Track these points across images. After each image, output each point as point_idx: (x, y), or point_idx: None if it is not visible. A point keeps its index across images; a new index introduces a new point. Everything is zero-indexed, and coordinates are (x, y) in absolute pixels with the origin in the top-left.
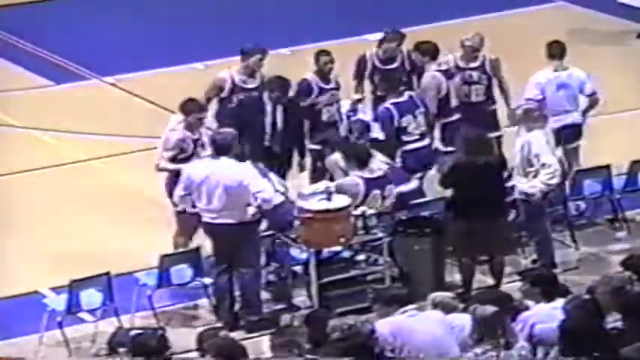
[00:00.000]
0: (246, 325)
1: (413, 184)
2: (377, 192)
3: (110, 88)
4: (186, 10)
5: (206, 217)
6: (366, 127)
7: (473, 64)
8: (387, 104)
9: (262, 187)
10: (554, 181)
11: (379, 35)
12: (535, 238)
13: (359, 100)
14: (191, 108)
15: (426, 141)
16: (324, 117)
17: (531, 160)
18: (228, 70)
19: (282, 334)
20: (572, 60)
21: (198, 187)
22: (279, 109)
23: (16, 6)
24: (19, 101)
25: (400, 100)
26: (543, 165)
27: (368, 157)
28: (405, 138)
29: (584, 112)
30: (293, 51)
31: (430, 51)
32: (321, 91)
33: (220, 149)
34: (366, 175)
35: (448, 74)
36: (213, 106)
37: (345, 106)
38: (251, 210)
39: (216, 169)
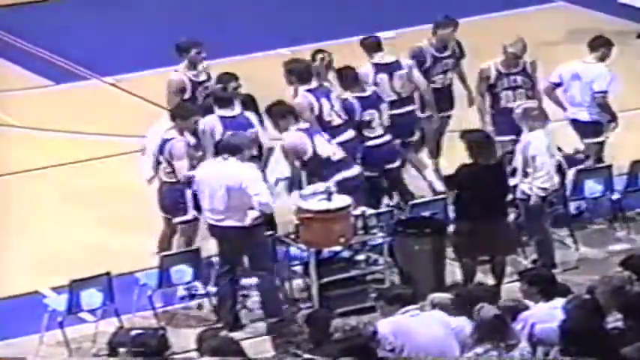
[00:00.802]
0: (268, 327)
1: (355, 169)
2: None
3: (110, 88)
4: (185, 10)
5: (210, 220)
6: None
7: (514, 69)
8: (350, 96)
9: (259, 189)
10: (548, 184)
11: (379, 35)
12: (535, 238)
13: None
14: (189, 112)
15: (388, 137)
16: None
17: (529, 160)
18: (177, 72)
19: (281, 335)
20: (572, 60)
21: (202, 189)
22: (237, 102)
23: (16, 6)
24: (19, 101)
25: (363, 94)
26: (536, 168)
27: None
28: (367, 133)
29: (599, 110)
30: (293, 51)
31: (370, 47)
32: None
33: (231, 151)
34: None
35: (388, 68)
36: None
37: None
38: (253, 213)
39: (220, 171)
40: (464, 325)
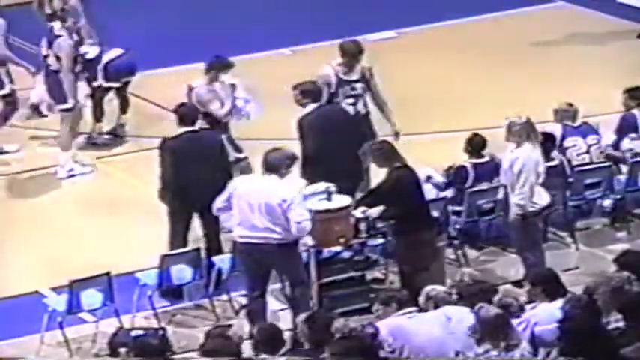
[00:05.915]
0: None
1: None
2: None
3: None
4: (187, 11)
5: (245, 238)
6: None
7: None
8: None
9: (300, 214)
10: (524, 202)
11: (379, 35)
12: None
13: None
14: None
15: None
16: None
17: (514, 177)
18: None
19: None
20: (572, 60)
21: (240, 204)
22: None
23: (16, 6)
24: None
25: None
26: (520, 184)
27: None
28: None
29: None
30: (293, 51)
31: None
32: None
33: (270, 168)
34: None
35: None
36: None
37: None
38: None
39: (261, 187)
40: (462, 317)
